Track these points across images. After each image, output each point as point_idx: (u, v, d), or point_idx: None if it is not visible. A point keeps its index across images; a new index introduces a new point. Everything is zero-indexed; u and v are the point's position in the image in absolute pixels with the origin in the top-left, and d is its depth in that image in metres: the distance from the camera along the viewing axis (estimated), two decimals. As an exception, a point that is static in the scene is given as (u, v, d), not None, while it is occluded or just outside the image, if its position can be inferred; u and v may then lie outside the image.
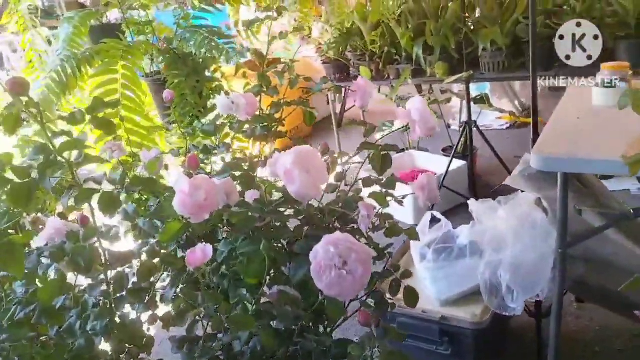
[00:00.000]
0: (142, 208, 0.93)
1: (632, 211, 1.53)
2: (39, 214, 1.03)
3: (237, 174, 0.95)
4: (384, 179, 1.10)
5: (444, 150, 3.47)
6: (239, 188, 1.01)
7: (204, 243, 0.80)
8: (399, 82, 2.80)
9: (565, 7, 2.57)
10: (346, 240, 0.78)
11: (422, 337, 1.75)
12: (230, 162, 1.03)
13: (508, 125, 4.21)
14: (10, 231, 0.74)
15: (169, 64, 1.44)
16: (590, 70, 2.46)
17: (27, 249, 0.82)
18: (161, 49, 1.47)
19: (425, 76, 2.90)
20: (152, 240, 0.97)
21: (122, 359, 0.90)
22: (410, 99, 1.09)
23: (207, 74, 1.62)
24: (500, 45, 2.63)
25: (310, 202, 1.03)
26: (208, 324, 0.91)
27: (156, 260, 0.96)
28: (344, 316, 0.93)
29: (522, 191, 1.81)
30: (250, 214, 0.91)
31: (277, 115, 1.33)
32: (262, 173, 1.21)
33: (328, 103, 3.90)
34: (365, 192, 1.13)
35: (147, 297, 0.97)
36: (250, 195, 1.06)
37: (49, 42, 2.02)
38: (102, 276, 0.90)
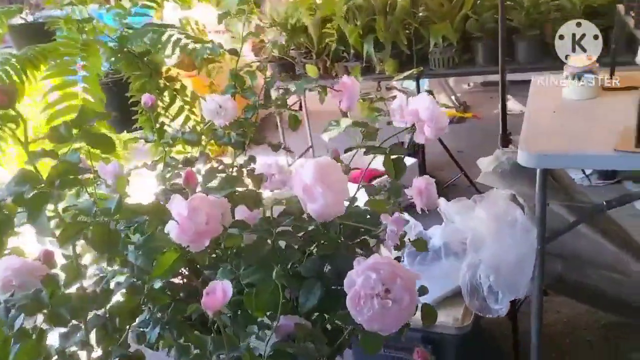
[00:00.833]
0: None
1: (604, 203, 1.52)
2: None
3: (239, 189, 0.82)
4: (390, 185, 1.01)
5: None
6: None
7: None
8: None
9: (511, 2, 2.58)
10: (388, 264, 0.67)
11: (403, 346, 1.67)
12: (228, 176, 0.89)
13: (448, 120, 4.24)
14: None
15: (127, 65, 1.26)
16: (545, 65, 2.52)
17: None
18: (114, 48, 1.28)
19: (375, 73, 2.84)
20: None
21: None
22: (417, 96, 1.00)
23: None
24: (451, 40, 2.61)
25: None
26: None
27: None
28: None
29: (494, 188, 1.79)
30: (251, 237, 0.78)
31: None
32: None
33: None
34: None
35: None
36: (241, 213, 0.93)
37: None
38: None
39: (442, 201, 1.82)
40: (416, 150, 3.00)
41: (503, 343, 1.86)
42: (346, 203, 0.87)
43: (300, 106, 3.39)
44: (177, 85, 1.36)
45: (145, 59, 1.31)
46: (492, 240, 1.54)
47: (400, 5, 2.69)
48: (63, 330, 0.74)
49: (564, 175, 1.80)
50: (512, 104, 4.05)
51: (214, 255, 0.86)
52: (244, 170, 1.17)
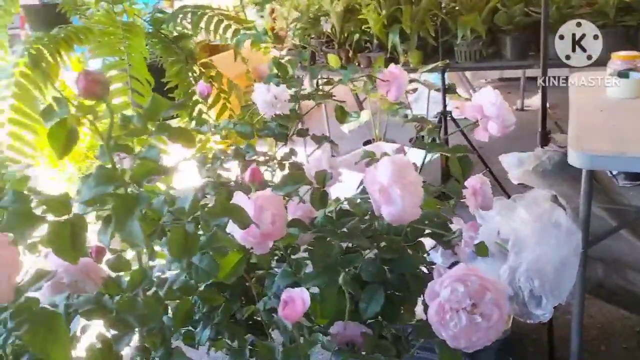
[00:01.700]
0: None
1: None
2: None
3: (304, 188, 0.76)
4: (447, 186, 0.94)
5: (410, 141, 3.37)
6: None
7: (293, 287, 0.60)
8: (374, 72, 2.65)
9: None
10: (477, 276, 0.61)
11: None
12: (292, 172, 0.83)
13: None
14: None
15: (164, 49, 1.20)
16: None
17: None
18: (149, 31, 1.22)
19: (399, 65, 2.77)
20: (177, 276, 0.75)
21: None
22: (481, 90, 0.94)
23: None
24: (479, 33, 2.54)
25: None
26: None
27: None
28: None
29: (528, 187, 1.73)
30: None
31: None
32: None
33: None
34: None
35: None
36: (293, 211, 0.87)
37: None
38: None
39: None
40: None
41: (536, 349, 1.80)
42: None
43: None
44: (213, 73, 1.29)
45: (179, 43, 1.25)
46: (535, 242, 1.48)
47: (427, -5, 2.62)
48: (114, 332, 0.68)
49: (604, 176, 1.74)
50: (535, 100, 4.00)
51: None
52: (286, 163, 1.11)
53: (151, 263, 0.90)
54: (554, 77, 1.81)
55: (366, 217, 0.82)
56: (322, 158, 1.01)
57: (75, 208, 0.47)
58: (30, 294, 0.57)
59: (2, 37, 1.32)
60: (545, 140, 1.85)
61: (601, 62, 1.63)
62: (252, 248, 0.68)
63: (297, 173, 0.74)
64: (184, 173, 1.04)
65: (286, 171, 1.07)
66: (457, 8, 2.62)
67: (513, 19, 2.58)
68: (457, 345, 0.61)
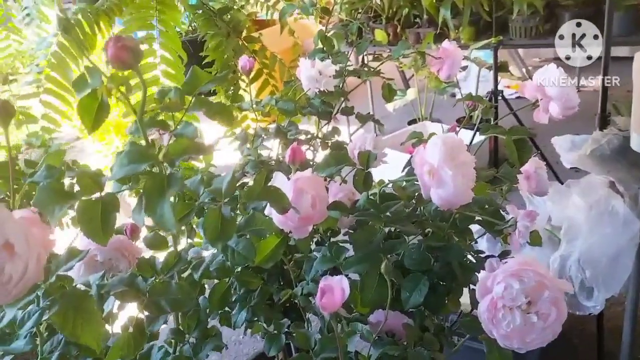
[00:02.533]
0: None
1: None
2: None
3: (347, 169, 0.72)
4: (500, 170, 0.88)
5: (457, 121, 3.27)
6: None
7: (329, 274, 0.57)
8: (422, 47, 2.56)
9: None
10: (535, 272, 0.56)
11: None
12: (335, 152, 0.79)
13: (517, 94, 4.01)
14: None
15: (204, 22, 1.16)
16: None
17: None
18: (193, 4, 1.19)
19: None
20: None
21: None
22: (543, 68, 0.86)
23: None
24: (537, 7, 2.40)
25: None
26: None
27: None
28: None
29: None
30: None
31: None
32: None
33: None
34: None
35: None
36: (335, 193, 0.83)
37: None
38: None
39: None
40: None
41: (582, 341, 1.73)
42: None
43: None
44: (257, 47, 1.25)
45: (227, 15, 1.21)
46: (589, 230, 1.40)
47: (482, -32, 2.49)
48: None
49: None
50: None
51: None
52: (328, 142, 1.07)
53: (190, 241, 0.88)
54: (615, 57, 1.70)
55: (411, 202, 0.78)
56: (366, 137, 0.97)
57: (109, 186, 0.45)
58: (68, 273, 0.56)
59: (48, 10, 1.32)
60: (604, 123, 1.74)
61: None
62: (290, 231, 0.65)
63: (340, 153, 0.70)
64: (223, 151, 1.01)
65: (328, 151, 1.03)
66: (513, -19, 2.48)
67: (573, -6, 2.44)
68: (509, 345, 0.57)
